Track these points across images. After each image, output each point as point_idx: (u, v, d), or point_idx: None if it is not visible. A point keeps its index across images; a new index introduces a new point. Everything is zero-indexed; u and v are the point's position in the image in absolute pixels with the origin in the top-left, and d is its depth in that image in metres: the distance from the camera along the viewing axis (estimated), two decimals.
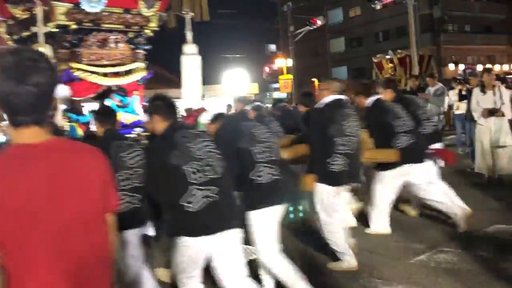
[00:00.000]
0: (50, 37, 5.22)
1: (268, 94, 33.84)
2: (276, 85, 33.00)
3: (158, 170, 2.60)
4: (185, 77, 6.67)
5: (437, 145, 4.79)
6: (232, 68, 30.80)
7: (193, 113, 6.68)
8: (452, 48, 30.87)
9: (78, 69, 5.37)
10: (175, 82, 29.60)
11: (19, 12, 5.11)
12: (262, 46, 35.14)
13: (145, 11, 5.75)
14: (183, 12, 6.08)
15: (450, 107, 12.13)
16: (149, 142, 3.35)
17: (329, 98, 3.66)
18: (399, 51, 19.24)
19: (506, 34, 32.10)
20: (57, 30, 5.20)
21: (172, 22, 6.18)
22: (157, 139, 2.79)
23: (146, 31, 6.02)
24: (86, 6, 5.16)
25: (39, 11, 4.83)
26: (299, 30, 26.90)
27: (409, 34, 18.19)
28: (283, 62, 30.30)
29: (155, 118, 2.71)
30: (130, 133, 5.34)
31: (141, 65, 5.99)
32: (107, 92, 5.65)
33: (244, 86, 29.51)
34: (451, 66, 30.50)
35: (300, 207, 4.65)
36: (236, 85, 28.80)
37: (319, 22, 27.57)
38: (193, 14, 6.25)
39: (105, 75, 5.60)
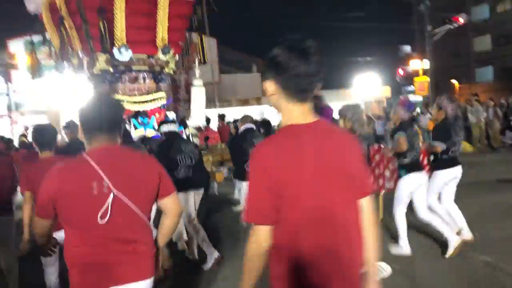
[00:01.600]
0: (96, 76, 7.96)
1: (401, 97, 33.35)
2: (410, 88, 32.47)
3: None
4: (193, 103, 8.83)
5: None
6: (363, 72, 31.35)
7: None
8: None
9: None
10: None
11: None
12: (395, 47, 34.76)
13: (162, 57, 8.12)
14: (193, 56, 8.28)
15: None
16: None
17: None
18: None
19: None
20: (100, 72, 7.89)
21: (185, 63, 8.47)
22: None
23: (166, 70, 8.42)
24: (118, 56, 7.73)
25: (85, 61, 7.62)
26: (438, 29, 26.23)
27: None
28: (418, 64, 29.66)
29: None
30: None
31: (163, 94, 8.40)
32: (135, 114, 8.20)
33: (375, 90, 29.94)
34: None
35: None
36: (366, 88, 29.48)
37: (461, 20, 26.52)
38: (198, 57, 8.44)
39: (134, 102, 8.14)
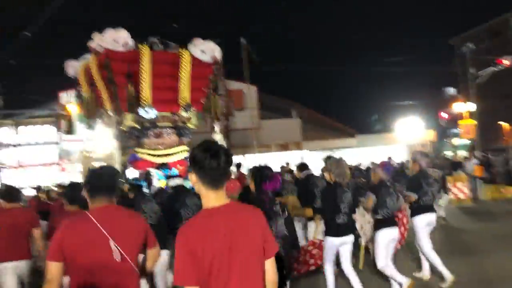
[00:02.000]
0: (124, 132, 8.80)
1: (446, 141, 32.89)
2: (456, 131, 31.90)
3: None
4: None
5: None
6: (405, 116, 31.25)
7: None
8: None
9: (141, 153, 8.76)
10: (347, 132, 31.82)
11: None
12: (438, 90, 34.46)
13: (184, 114, 8.88)
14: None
15: None
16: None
17: None
18: None
19: None
20: (128, 128, 8.72)
21: (208, 118, 9.21)
22: None
23: (189, 125, 9.15)
24: (143, 115, 8.54)
25: (111, 120, 8.51)
26: (481, 72, 26.09)
27: None
28: (463, 106, 29.35)
29: None
30: None
31: (185, 148, 9.09)
32: (158, 166, 8.91)
33: (419, 133, 29.74)
34: None
35: None
36: (409, 132, 29.36)
37: (506, 62, 26.30)
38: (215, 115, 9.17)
39: (159, 156, 8.87)
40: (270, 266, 2.32)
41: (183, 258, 2.14)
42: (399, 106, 33.65)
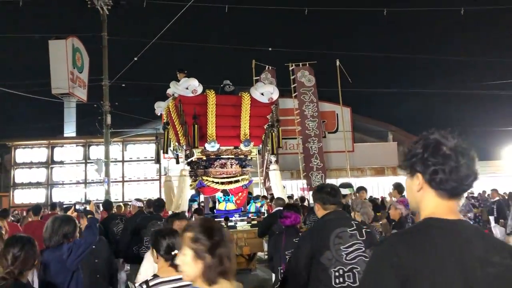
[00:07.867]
0: (194, 163, 10.79)
1: None
2: None
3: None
4: (273, 184, 11.04)
5: None
6: None
7: None
8: None
9: (207, 180, 10.64)
10: None
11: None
12: None
13: (244, 148, 10.62)
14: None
15: None
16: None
17: None
18: None
19: None
20: (197, 160, 10.69)
21: (265, 152, 10.85)
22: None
23: (250, 157, 10.89)
24: (208, 148, 10.43)
25: (183, 154, 10.55)
26: None
27: None
28: None
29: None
30: (232, 216, 10.31)
31: (246, 177, 10.81)
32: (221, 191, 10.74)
33: None
34: None
35: None
36: None
37: None
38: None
39: (222, 183, 10.69)
40: None
41: None
42: (508, 132, 32.08)
